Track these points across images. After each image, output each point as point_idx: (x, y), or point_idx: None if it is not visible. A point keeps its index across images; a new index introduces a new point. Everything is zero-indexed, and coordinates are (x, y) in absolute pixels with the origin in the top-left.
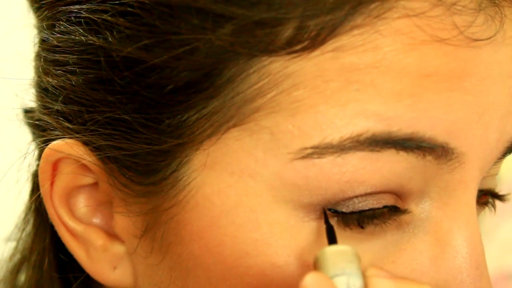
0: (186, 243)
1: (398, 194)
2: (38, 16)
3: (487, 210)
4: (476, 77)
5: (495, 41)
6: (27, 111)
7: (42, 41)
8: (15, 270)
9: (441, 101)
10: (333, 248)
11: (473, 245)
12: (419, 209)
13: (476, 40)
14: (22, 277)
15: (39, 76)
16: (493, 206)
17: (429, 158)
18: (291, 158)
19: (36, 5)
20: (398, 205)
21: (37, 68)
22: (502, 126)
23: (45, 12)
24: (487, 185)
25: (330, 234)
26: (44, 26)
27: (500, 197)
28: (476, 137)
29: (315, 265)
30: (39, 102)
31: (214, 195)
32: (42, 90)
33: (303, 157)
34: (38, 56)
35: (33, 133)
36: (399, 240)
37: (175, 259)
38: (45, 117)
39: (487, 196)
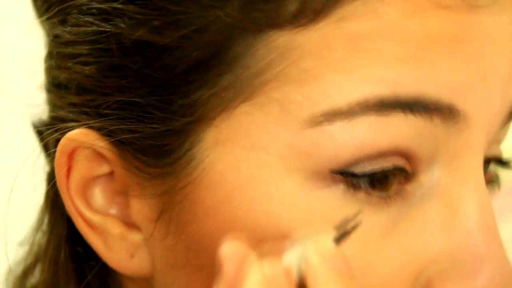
0: (201, 221)
1: (407, 158)
2: (48, 16)
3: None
4: (477, 42)
5: (494, 7)
6: (36, 126)
7: (55, 38)
8: (27, 271)
9: (444, 64)
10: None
11: (483, 209)
12: (427, 177)
13: (477, 6)
14: (31, 279)
15: (51, 75)
16: (498, 184)
17: (436, 121)
18: (301, 127)
19: (46, 5)
20: (407, 168)
21: (49, 68)
22: (505, 90)
23: (55, 10)
24: (492, 152)
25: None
26: (56, 22)
27: (504, 164)
28: (480, 100)
29: None
30: (52, 101)
31: (227, 171)
32: (56, 86)
33: (314, 125)
34: (50, 54)
35: (45, 149)
36: (407, 211)
37: (190, 238)
38: (60, 112)
39: (490, 174)
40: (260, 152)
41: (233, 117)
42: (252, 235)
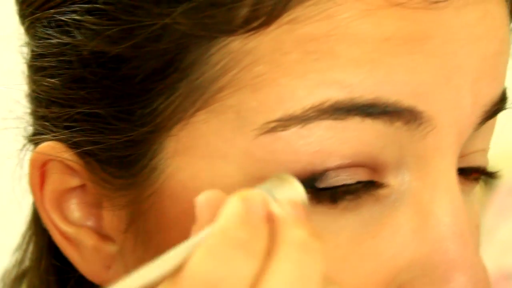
0: (165, 231)
1: (372, 167)
2: (24, 28)
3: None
4: (439, 40)
5: (457, 2)
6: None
7: (30, 52)
8: (18, 278)
9: (402, 64)
10: None
11: (455, 213)
12: (398, 181)
13: (436, 2)
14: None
15: (28, 89)
16: (485, 181)
17: (397, 124)
18: (256, 134)
19: (22, 18)
20: (375, 179)
21: (26, 82)
22: (476, 90)
23: (27, 23)
24: (476, 162)
25: None
26: (28, 35)
27: (490, 175)
28: (446, 101)
29: None
30: (31, 114)
31: (188, 181)
32: (31, 100)
33: (268, 131)
34: (27, 68)
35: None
36: (379, 214)
37: (156, 249)
38: (36, 126)
39: (477, 172)
40: (219, 161)
41: (190, 125)
42: None
